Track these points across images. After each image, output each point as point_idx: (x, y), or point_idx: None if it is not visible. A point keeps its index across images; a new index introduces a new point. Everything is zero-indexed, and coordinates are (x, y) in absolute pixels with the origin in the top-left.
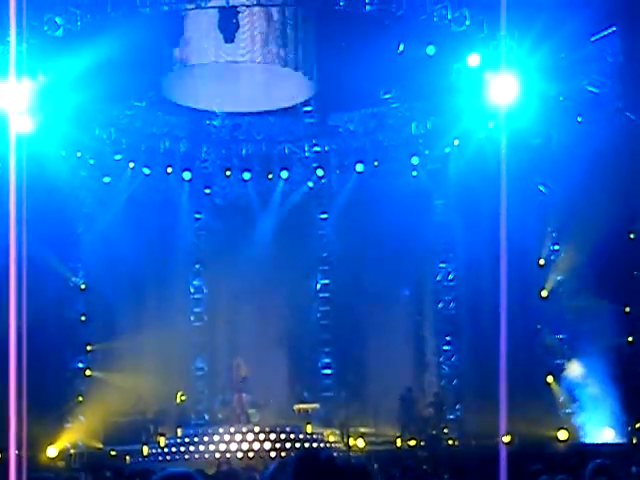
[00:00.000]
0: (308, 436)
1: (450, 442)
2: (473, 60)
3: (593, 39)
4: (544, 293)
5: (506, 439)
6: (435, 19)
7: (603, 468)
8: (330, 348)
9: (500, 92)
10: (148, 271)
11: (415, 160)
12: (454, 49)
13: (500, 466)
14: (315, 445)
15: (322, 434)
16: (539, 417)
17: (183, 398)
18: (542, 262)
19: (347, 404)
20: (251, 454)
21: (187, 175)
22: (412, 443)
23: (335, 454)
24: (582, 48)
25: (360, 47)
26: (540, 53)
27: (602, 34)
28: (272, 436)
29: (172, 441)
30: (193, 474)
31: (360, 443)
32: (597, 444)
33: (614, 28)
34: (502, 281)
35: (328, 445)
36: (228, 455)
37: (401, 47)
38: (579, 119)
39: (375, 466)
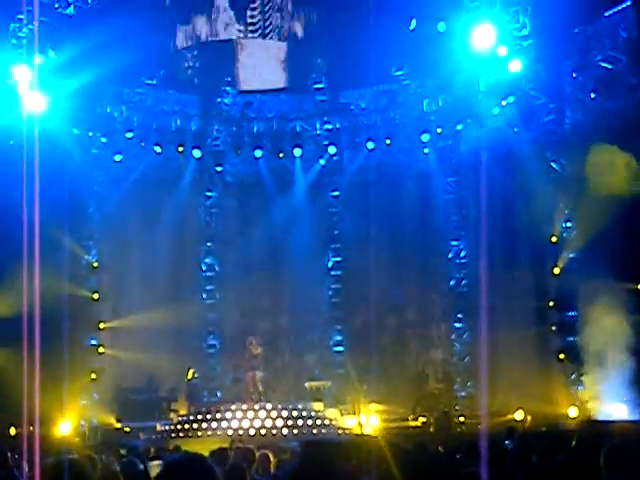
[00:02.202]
0: (320, 413)
1: (461, 419)
2: (485, 36)
3: (607, 14)
4: (557, 270)
5: (519, 416)
6: None
7: (619, 449)
8: (342, 325)
9: (513, 68)
10: (160, 249)
11: (426, 137)
12: (467, 25)
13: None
14: (327, 422)
15: (333, 411)
16: (551, 394)
17: (196, 375)
18: (555, 239)
19: (359, 381)
20: (263, 431)
21: (198, 153)
22: (423, 420)
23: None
24: (596, 23)
25: (371, 24)
26: (553, 28)
27: (616, 9)
28: (284, 413)
29: (184, 418)
30: (204, 457)
31: (372, 420)
32: (610, 421)
33: (628, 2)
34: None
35: (339, 422)
36: (240, 432)
37: (413, 24)
38: (592, 95)
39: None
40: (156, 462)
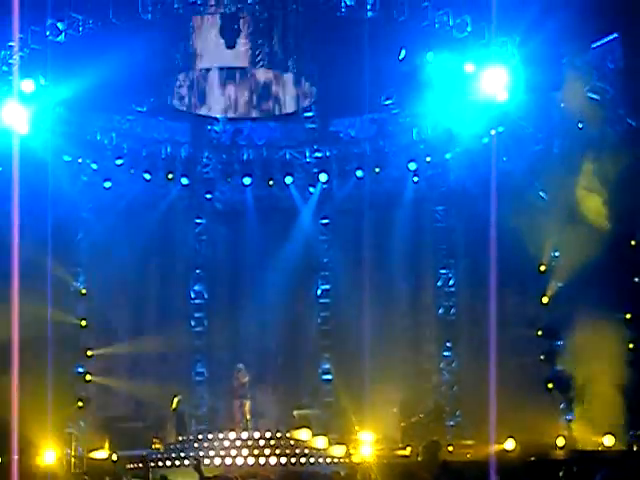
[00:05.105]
0: (308, 442)
1: (450, 448)
2: (473, 67)
3: (594, 46)
4: (545, 299)
5: (510, 446)
6: (437, 26)
7: (610, 477)
8: (330, 354)
9: (501, 99)
10: (149, 276)
11: (415, 166)
12: (456, 56)
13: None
14: (314, 452)
15: (322, 440)
16: (540, 424)
17: (176, 399)
18: (543, 268)
19: (347, 410)
20: (251, 460)
21: (186, 180)
22: (412, 449)
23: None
24: (583, 55)
25: (361, 53)
26: (541, 59)
27: (603, 41)
28: (272, 442)
29: (171, 447)
30: None
31: (360, 449)
32: (597, 451)
33: (615, 35)
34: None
35: (326, 452)
36: (228, 461)
37: (402, 53)
38: (580, 126)
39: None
40: None
